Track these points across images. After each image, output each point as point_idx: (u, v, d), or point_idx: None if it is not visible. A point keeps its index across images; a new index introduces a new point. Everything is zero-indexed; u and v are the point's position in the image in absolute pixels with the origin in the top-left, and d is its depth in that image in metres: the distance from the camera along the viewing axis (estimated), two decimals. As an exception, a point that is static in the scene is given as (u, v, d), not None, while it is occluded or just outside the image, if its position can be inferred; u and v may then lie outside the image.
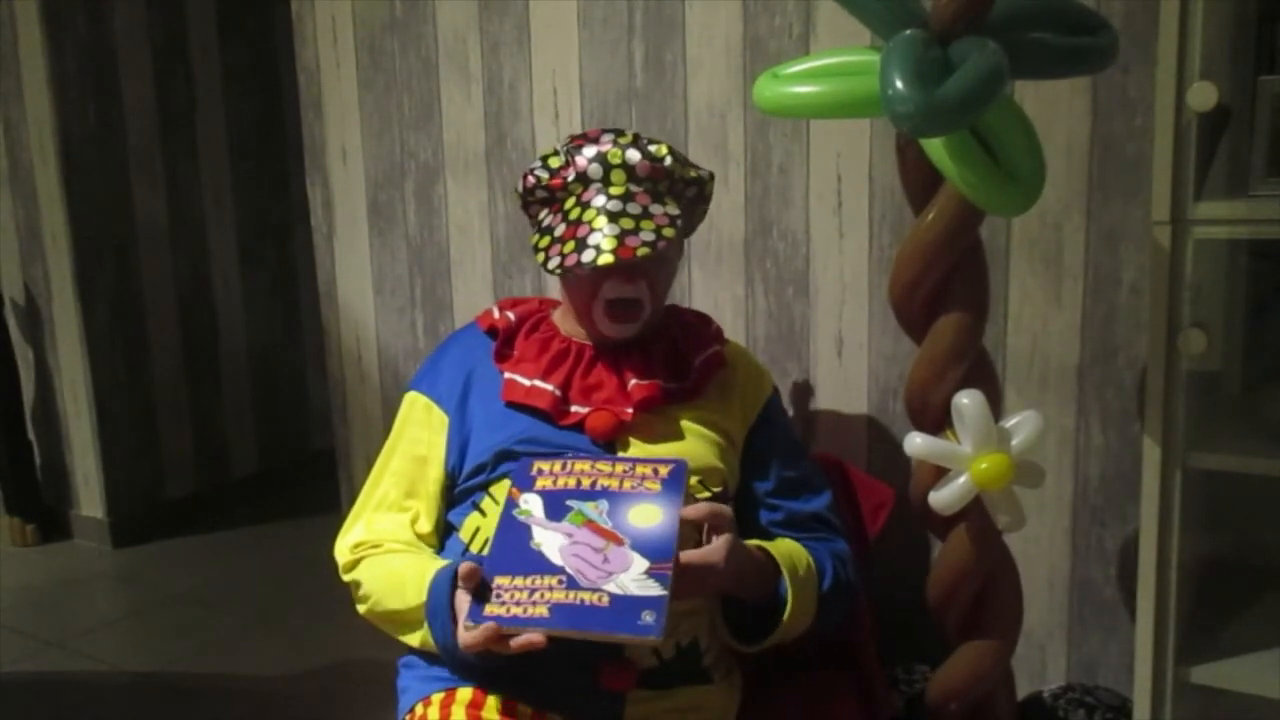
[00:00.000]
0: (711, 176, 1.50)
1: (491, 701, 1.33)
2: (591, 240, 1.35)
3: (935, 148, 1.30)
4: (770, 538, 1.44)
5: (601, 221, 1.36)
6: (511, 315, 1.51)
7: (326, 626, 2.67)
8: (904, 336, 1.54)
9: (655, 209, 1.38)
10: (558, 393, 1.42)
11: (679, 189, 1.45)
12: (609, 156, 1.40)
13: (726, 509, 1.31)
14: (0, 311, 3.36)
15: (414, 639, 1.36)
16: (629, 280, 1.39)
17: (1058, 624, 1.86)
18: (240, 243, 3.83)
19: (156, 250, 3.54)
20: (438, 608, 1.29)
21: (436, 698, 1.36)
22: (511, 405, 1.43)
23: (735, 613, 1.37)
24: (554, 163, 1.45)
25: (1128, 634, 1.64)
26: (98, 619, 2.96)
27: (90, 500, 3.50)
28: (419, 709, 1.36)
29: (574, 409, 1.41)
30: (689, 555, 1.24)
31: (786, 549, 1.39)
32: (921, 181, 1.40)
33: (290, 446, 4.05)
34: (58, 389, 3.48)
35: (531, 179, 1.46)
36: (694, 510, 1.27)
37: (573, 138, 1.46)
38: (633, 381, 1.42)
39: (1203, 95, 1.25)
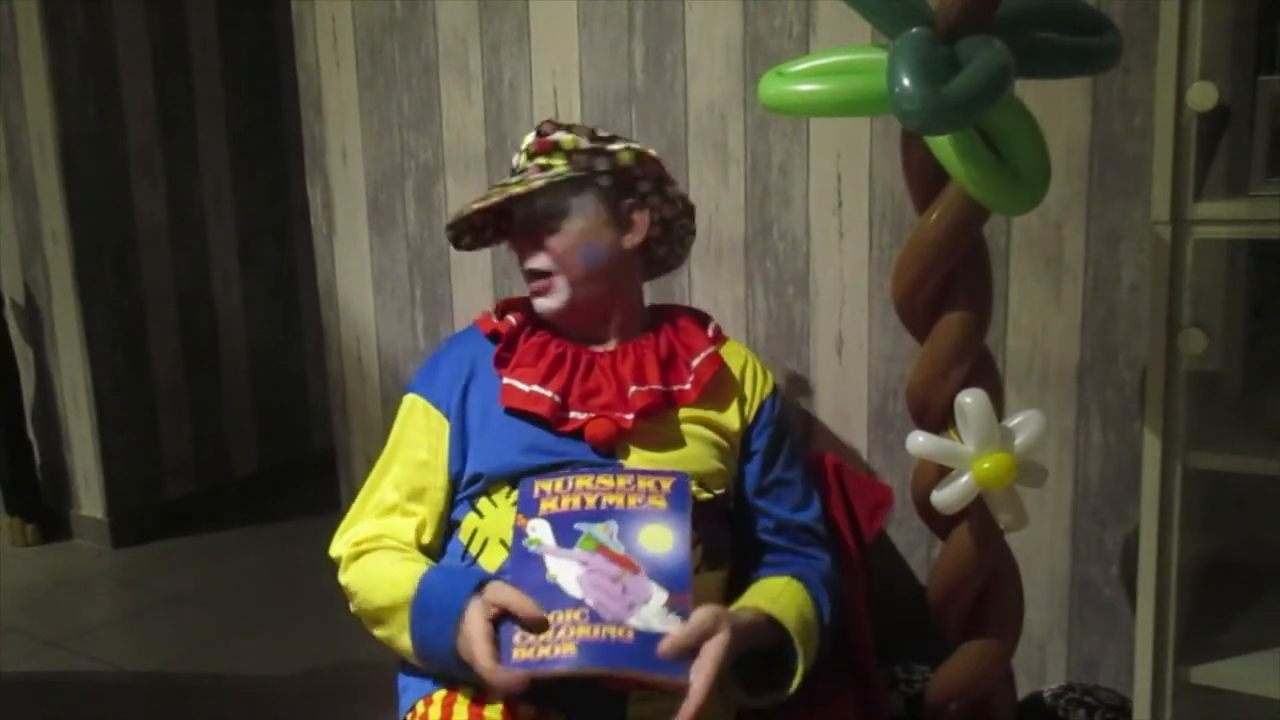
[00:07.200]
0: (628, 148, 1.48)
1: (493, 699, 1.32)
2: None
3: (941, 146, 1.30)
4: (764, 549, 1.45)
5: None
6: (512, 319, 1.51)
7: (326, 626, 2.67)
8: (904, 336, 1.54)
9: (534, 172, 1.45)
10: (557, 399, 1.41)
11: (578, 160, 1.46)
12: (522, 142, 1.52)
13: (707, 618, 1.21)
14: (0, 311, 3.36)
15: (401, 639, 1.32)
16: (524, 251, 1.49)
17: (1058, 624, 1.86)
18: (240, 243, 3.83)
19: (156, 250, 3.54)
20: (428, 607, 1.28)
21: (438, 696, 1.35)
22: (511, 411, 1.43)
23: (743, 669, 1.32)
24: None
25: (1128, 634, 1.64)
26: (98, 619, 2.96)
27: (90, 500, 3.50)
28: (420, 707, 1.36)
29: (573, 415, 1.41)
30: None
31: (792, 602, 1.36)
32: (926, 180, 1.40)
33: (290, 446, 4.05)
34: (58, 389, 3.48)
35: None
36: (685, 636, 1.19)
37: None
38: (632, 388, 1.43)
39: (1203, 95, 1.25)
